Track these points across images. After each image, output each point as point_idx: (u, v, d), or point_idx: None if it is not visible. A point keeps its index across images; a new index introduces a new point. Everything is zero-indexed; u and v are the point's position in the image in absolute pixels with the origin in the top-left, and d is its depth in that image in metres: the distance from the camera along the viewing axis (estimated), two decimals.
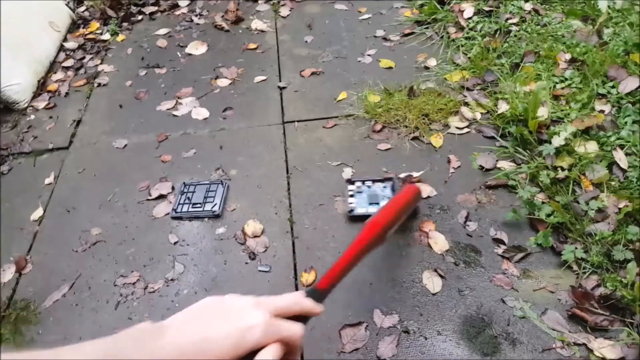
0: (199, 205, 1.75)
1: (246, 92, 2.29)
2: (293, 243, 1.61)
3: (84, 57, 2.70)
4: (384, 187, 1.71)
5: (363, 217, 1.61)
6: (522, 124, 1.81)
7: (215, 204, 1.74)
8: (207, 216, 1.72)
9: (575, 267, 1.42)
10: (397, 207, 1.26)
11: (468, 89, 2.05)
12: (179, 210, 1.75)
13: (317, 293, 0.64)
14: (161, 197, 1.82)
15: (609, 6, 2.22)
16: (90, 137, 2.16)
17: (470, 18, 2.43)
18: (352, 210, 1.64)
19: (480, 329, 1.33)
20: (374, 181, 1.72)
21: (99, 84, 2.47)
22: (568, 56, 2.06)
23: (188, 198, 1.78)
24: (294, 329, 0.47)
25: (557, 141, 1.67)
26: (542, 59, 2.09)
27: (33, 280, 1.62)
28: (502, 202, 1.64)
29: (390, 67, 2.29)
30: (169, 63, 2.55)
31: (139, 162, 1.99)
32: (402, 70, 2.26)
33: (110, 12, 2.99)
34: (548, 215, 1.52)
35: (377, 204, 1.64)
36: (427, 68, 2.24)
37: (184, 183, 1.84)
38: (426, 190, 1.70)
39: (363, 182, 1.72)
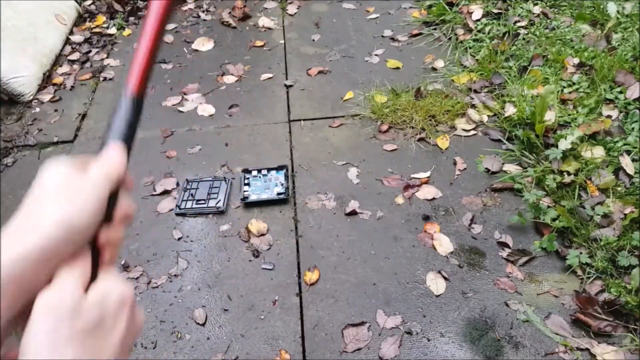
0: (202, 202, 1.75)
1: (252, 89, 2.29)
2: (297, 242, 1.61)
3: (90, 51, 2.69)
4: (277, 173, 1.81)
5: (257, 203, 1.73)
6: (529, 128, 1.81)
7: (220, 200, 1.74)
8: (211, 212, 1.72)
9: (579, 272, 1.42)
10: None
11: (475, 92, 2.05)
12: (182, 207, 1.74)
13: (137, 102, 0.49)
14: (166, 192, 1.82)
15: (618, 11, 2.21)
16: (96, 131, 2.16)
17: (478, 20, 2.43)
18: (245, 198, 1.73)
19: (484, 331, 1.33)
20: (268, 170, 1.83)
21: (105, 78, 2.47)
22: (576, 60, 2.05)
23: (191, 194, 1.78)
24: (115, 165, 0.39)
25: (564, 145, 1.67)
26: (550, 63, 2.09)
27: None
28: (508, 205, 1.64)
29: (397, 68, 2.28)
30: (176, 59, 2.55)
31: (144, 157, 1.99)
32: (409, 71, 2.26)
33: (117, 6, 2.99)
34: (553, 220, 1.51)
35: (269, 189, 1.77)
36: (434, 69, 2.24)
37: (186, 180, 1.83)
38: (431, 191, 1.70)
39: (259, 170, 1.82)
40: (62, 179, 0.37)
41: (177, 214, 1.74)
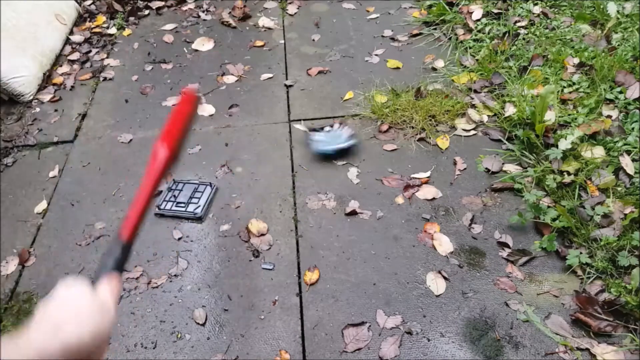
0: (182, 205, 1.72)
1: (252, 89, 2.29)
2: (297, 241, 1.61)
3: (90, 51, 2.69)
4: (340, 129, 1.94)
5: (328, 156, 1.85)
6: (529, 128, 1.80)
7: (199, 206, 1.71)
8: (188, 217, 1.70)
9: (579, 272, 1.42)
10: (182, 120, 1.11)
11: (475, 91, 2.05)
12: (162, 207, 1.72)
13: (127, 246, 0.63)
14: None
15: (618, 11, 2.21)
16: (96, 131, 2.16)
17: (478, 20, 2.43)
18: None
19: (484, 331, 1.33)
20: (331, 126, 1.96)
21: (105, 78, 2.47)
22: (576, 60, 2.05)
23: (174, 196, 1.75)
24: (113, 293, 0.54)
25: (564, 145, 1.67)
26: (550, 63, 2.09)
27: (36, 272, 1.62)
28: (508, 205, 1.64)
29: (397, 68, 2.28)
30: (175, 59, 2.55)
31: (144, 157, 1.98)
32: (409, 70, 2.26)
33: (117, 6, 2.99)
34: (553, 220, 1.51)
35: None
36: (434, 69, 2.24)
37: (173, 180, 1.82)
38: (431, 191, 1.70)
39: (322, 128, 1.96)
40: (81, 301, 0.46)
41: (156, 215, 1.71)
